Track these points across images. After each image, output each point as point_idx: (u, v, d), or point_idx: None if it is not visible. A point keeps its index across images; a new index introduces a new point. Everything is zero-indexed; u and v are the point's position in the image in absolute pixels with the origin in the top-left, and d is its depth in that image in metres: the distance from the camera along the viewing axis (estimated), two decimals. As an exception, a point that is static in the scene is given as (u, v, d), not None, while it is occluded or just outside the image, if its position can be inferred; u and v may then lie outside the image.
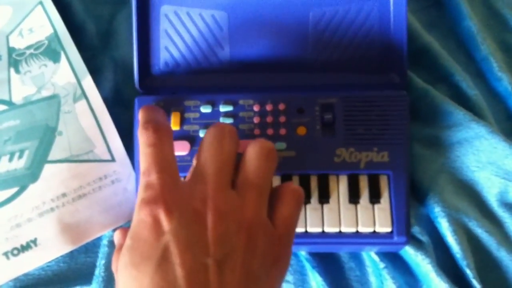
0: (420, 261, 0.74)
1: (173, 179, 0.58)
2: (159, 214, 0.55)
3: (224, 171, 0.59)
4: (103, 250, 0.76)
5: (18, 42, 0.80)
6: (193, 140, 0.74)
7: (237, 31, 0.78)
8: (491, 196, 0.78)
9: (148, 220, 0.55)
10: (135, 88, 0.77)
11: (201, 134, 0.74)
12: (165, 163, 0.59)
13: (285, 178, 0.74)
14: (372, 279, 0.77)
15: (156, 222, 0.55)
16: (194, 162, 0.62)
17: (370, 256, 0.77)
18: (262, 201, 0.59)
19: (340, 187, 0.73)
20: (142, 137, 0.61)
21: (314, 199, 0.73)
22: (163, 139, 0.61)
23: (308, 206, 0.73)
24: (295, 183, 0.74)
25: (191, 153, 0.73)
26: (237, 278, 0.55)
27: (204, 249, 0.55)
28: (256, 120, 0.74)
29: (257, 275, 0.56)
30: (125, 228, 0.65)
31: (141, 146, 0.60)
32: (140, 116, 0.64)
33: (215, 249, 0.55)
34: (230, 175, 0.59)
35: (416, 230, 0.76)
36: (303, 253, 0.77)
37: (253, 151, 0.61)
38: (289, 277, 0.77)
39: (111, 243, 0.76)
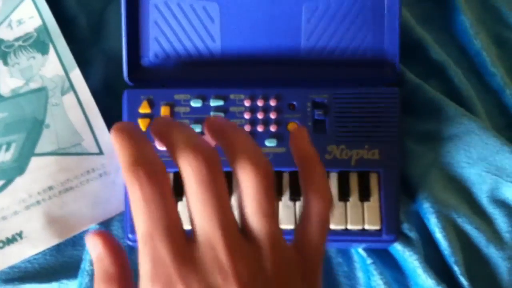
0: (407, 257, 0.74)
1: (181, 241, 0.48)
2: None
3: (228, 222, 0.49)
4: (90, 244, 0.76)
5: (7, 34, 0.79)
6: (182, 135, 0.73)
7: (228, 23, 0.77)
8: (482, 193, 0.78)
9: None
10: (124, 80, 0.77)
11: (191, 129, 0.73)
12: (170, 222, 0.48)
13: (276, 175, 0.73)
14: (360, 274, 0.77)
15: None
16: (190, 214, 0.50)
17: (358, 252, 0.77)
18: (279, 243, 0.51)
19: (331, 184, 0.73)
20: (133, 187, 0.47)
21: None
22: (162, 188, 0.48)
23: (298, 204, 0.73)
24: (285, 180, 0.74)
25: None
26: None
27: None
28: (247, 115, 0.74)
29: None
30: (111, 246, 0.53)
31: (134, 199, 0.48)
32: (117, 149, 0.50)
33: None
34: (233, 219, 0.50)
35: (405, 226, 0.76)
36: (290, 248, 0.77)
37: (249, 187, 0.50)
38: (275, 272, 0.76)
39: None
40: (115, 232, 0.77)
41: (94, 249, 0.52)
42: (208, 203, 0.48)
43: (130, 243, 0.73)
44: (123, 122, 0.52)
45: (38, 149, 0.77)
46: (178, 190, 0.71)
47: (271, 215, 0.50)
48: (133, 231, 0.72)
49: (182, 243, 0.48)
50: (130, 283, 0.52)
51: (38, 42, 0.80)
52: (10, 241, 0.75)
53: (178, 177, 0.73)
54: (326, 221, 0.55)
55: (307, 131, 0.60)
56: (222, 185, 0.49)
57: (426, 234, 0.77)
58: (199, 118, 0.74)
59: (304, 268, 0.52)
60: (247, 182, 0.50)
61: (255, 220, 0.50)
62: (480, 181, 0.78)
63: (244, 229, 0.50)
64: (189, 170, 0.48)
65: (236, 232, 0.49)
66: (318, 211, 0.54)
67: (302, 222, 0.54)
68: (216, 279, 0.47)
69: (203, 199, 0.48)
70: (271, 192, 0.50)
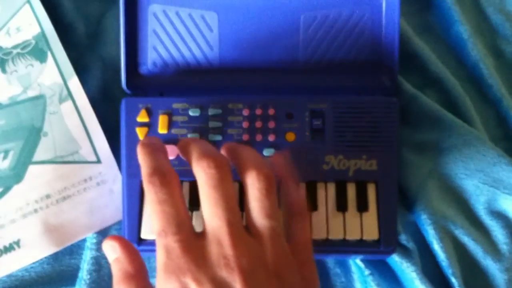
0: (405, 269, 0.74)
1: (191, 238, 0.56)
2: (188, 285, 0.54)
3: (234, 220, 0.57)
4: (87, 252, 0.76)
5: (5, 41, 0.79)
6: (181, 144, 0.73)
7: (227, 33, 0.77)
8: (479, 204, 0.78)
9: None
10: (122, 87, 0.77)
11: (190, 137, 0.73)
12: (180, 221, 0.57)
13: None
14: (358, 285, 0.77)
15: None
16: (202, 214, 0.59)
17: (356, 263, 0.77)
18: (279, 238, 0.58)
19: (328, 194, 0.73)
20: (149, 193, 0.58)
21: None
22: (173, 192, 0.58)
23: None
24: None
25: (179, 158, 0.72)
26: None
27: None
28: (245, 125, 0.74)
29: None
30: (128, 248, 0.61)
31: (150, 202, 0.58)
32: (141, 161, 0.61)
33: None
34: (240, 218, 0.57)
35: (402, 237, 0.76)
36: (287, 258, 0.77)
37: (253, 189, 0.59)
38: (273, 282, 0.77)
39: (96, 245, 0.76)
40: (112, 242, 0.78)
41: (113, 252, 0.61)
42: (217, 204, 0.57)
43: (127, 252, 0.73)
44: (148, 138, 0.66)
45: (35, 157, 0.77)
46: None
47: (272, 213, 0.58)
48: (131, 240, 0.71)
49: (191, 238, 0.56)
50: (146, 281, 0.60)
51: (37, 50, 0.79)
52: (7, 249, 0.75)
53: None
54: (308, 221, 0.65)
55: (284, 157, 0.67)
56: (231, 188, 0.58)
57: (424, 245, 0.77)
58: (197, 127, 0.74)
59: (301, 268, 0.59)
60: (251, 185, 0.59)
61: (257, 217, 0.58)
62: (477, 192, 0.78)
63: (248, 227, 0.59)
64: (202, 175, 0.58)
65: (241, 229, 0.57)
66: (300, 213, 0.64)
67: (289, 226, 0.63)
68: (222, 271, 0.54)
69: (213, 200, 0.57)
70: (273, 194, 0.59)
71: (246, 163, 0.60)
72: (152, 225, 0.58)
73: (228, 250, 0.55)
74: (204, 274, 0.54)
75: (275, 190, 0.60)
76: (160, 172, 0.58)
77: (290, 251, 0.59)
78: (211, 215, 0.57)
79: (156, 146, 0.63)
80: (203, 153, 0.59)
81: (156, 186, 0.58)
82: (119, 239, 0.62)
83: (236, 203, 0.58)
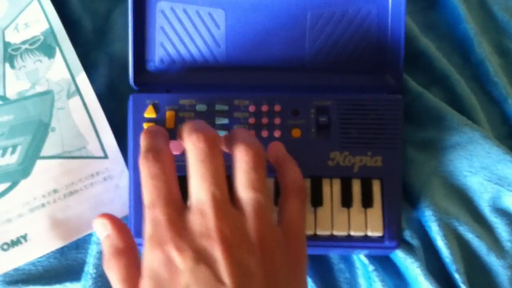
0: (409, 265, 0.74)
1: (178, 212, 0.57)
2: (171, 253, 0.55)
3: (219, 193, 0.57)
4: (93, 246, 0.76)
5: (13, 37, 0.80)
6: (187, 139, 0.73)
7: (234, 30, 0.77)
8: (483, 201, 0.79)
9: (162, 260, 0.55)
10: (130, 84, 0.77)
11: (196, 133, 0.73)
12: (169, 196, 0.58)
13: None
14: (362, 281, 0.77)
15: (171, 262, 0.55)
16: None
17: (360, 259, 0.77)
18: (265, 211, 0.58)
19: (334, 190, 0.73)
20: (143, 168, 0.59)
21: (307, 202, 0.73)
22: (165, 169, 0.59)
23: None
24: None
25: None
26: None
27: (222, 285, 0.54)
28: (251, 121, 0.74)
29: (283, 286, 0.57)
30: (118, 226, 0.63)
31: (143, 177, 0.59)
32: (141, 142, 0.62)
33: (233, 281, 0.54)
34: (225, 192, 0.58)
35: (406, 233, 0.76)
36: (292, 253, 0.77)
37: (241, 162, 0.59)
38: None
39: (102, 240, 0.77)
40: (119, 236, 0.78)
41: (104, 229, 0.63)
42: (204, 178, 0.57)
43: (134, 247, 0.73)
44: (153, 126, 0.67)
45: (43, 152, 0.77)
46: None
47: (259, 187, 0.58)
48: (137, 235, 0.72)
49: (178, 211, 0.57)
50: (136, 256, 0.61)
51: (45, 46, 0.80)
52: (14, 243, 0.76)
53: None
54: (303, 201, 0.64)
55: (282, 144, 0.69)
56: (219, 163, 0.58)
57: (428, 242, 0.77)
58: (203, 123, 0.74)
59: (288, 245, 0.59)
60: (239, 158, 0.59)
61: (243, 189, 0.59)
62: (481, 190, 0.78)
63: (234, 200, 0.59)
64: (191, 148, 0.59)
65: (226, 203, 0.57)
66: (296, 192, 0.64)
67: (282, 204, 0.63)
68: (203, 240, 0.55)
69: (200, 174, 0.57)
70: (261, 169, 0.59)
71: (236, 140, 0.61)
72: (143, 198, 0.59)
73: (210, 221, 0.55)
74: (186, 243, 0.55)
75: (263, 166, 0.60)
76: (154, 150, 0.60)
77: (281, 227, 0.60)
78: (197, 188, 0.57)
79: (158, 130, 0.64)
80: (194, 128, 0.60)
81: (149, 161, 0.59)
82: (110, 217, 0.63)
83: (224, 178, 0.58)
